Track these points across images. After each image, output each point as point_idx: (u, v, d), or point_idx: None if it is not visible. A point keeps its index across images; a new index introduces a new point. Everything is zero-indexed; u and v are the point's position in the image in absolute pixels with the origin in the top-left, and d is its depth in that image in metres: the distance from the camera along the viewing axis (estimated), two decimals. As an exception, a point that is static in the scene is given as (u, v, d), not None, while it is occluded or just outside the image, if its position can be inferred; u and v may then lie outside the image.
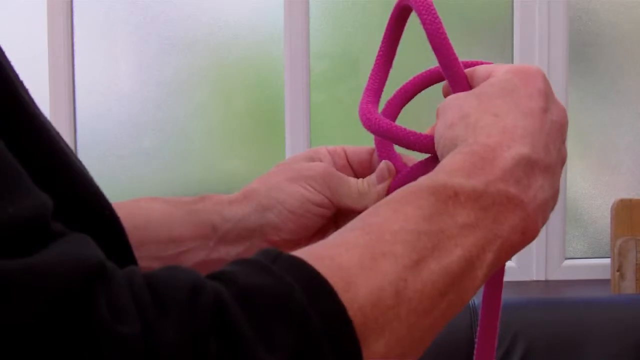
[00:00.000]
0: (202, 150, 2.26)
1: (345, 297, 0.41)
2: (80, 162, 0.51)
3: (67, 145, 0.50)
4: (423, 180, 0.49)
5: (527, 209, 0.49)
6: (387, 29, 0.64)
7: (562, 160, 0.55)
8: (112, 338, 0.36)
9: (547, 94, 0.55)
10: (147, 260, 0.62)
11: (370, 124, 0.62)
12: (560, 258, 2.26)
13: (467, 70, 0.59)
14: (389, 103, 0.66)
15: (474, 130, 0.52)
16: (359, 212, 0.56)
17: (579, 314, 1.80)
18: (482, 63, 0.61)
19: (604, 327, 1.76)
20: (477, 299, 1.68)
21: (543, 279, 2.26)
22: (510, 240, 0.48)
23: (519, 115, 0.52)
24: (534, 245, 2.23)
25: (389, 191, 0.64)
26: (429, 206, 0.46)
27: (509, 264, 0.76)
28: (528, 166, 0.50)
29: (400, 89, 0.66)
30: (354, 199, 0.64)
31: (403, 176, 0.64)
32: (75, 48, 2.23)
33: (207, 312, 0.38)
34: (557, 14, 2.24)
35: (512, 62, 2.22)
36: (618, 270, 2.13)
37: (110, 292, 0.37)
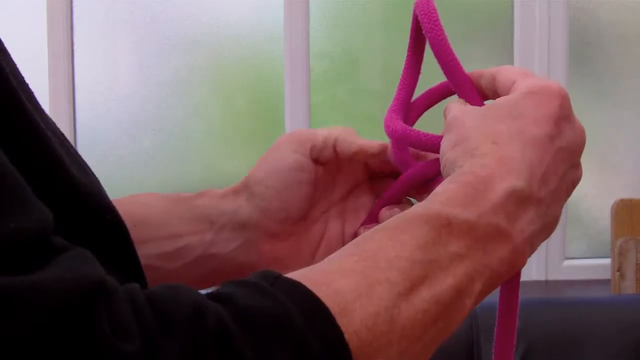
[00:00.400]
0: (202, 150, 2.26)
1: (341, 321, 0.42)
2: (83, 164, 0.51)
3: (67, 148, 0.50)
4: (418, 208, 0.50)
5: (515, 241, 0.50)
6: (410, 37, 0.64)
7: (569, 185, 0.55)
8: (115, 355, 0.36)
9: (559, 119, 0.54)
10: (146, 258, 0.62)
11: (388, 130, 0.62)
12: (560, 258, 2.26)
13: (492, 70, 0.59)
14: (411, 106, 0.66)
15: (471, 158, 0.52)
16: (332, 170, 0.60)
17: (579, 314, 1.80)
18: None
19: (604, 327, 1.76)
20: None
21: (543, 279, 2.26)
22: (498, 271, 0.49)
23: (520, 145, 0.52)
24: (534, 245, 2.23)
25: (396, 188, 0.65)
26: (423, 235, 0.47)
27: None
28: (520, 200, 0.51)
29: (423, 94, 0.66)
30: (321, 149, 0.64)
31: (416, 170, 0.64)
32: (75, 48, 2.23)
33: (210, 332, 0.38)
34: (557, 14, 2.24)
35: (512, 62, 2.22)
36: (618, 270, 2.13)
37: (112, 309, 0.37)
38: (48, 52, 2.20)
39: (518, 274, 0.60)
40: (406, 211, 0.50)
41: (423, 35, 0.61)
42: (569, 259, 2.29)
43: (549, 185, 0.52)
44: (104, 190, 0.51)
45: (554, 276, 2.26)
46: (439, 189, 0.51)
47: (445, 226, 0.48)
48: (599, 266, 2.24)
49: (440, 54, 0.58)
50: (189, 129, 2.27)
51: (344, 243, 0.65)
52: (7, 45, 0.61)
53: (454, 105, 0.58)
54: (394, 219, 0.49)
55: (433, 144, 0.60)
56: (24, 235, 0.37)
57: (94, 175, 0.52)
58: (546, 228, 0.54)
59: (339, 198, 0.68)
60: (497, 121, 0.54)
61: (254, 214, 0.65)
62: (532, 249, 0.53)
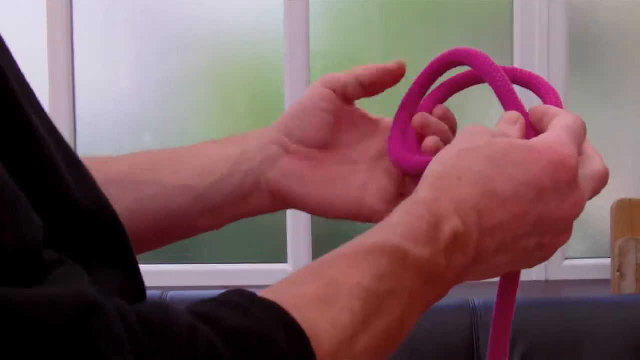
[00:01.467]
0: (202, 150, 2.26)
1: (313, 346, 0.43)
2: (80, 166, 0.51)
3: (64, 149, 0.50)
4: (377, 237, 0.51)
5: (448, 280, 0.52)
6: (422, 75, 0.67)
7: (527, 252, 0.55)
8: None
9: (544, 188, 0.54)
10: (183, 179, 0.67)
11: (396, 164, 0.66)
12: (560, 258, 2.26)
13: (549, 111, 0.61)
14: (430, 96, 0.68)
15: (431, 188, 0.54)
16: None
17: (579, 314, 1.80)
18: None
19: (604, 327, 1.75)
20: (477, 299, 1.68)
21: (543, 279, 2.26)
22: (428, 305, 0.52)
23: (479, 191, 0.53)
24: (534, 245, 2.23)
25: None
26: (380, 266, 0.48)
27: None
28: (460, 243, 0.52)
29: (444, 83, 0.68)
30: (345, 83, 0.68)
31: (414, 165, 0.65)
32: (75, 48, 2.23)
33: (201, 352, 0.40)
34: (557, 14, 2.24)
35: (512, 63, 2.22)
36: (618, 270, 2.13)
37: (107, 326, 0.38)
38: (48, 52, 2.20)
39: (517, 275, 0.60)
40: (366, 240, 0.51)
41: (438, 74, 0.66)
42: (568, 259, 2.29)
43: (496, 238, 0.53)
44: (101, 192, 0.51)
45: (553, 276, 2.26)
46: (397, 219, 0.52)
47: (401, 260, 0.49)
48: (599, 266, 2.24)
49: (506, 100, 0.60)
50: (189, 129, 2.27)
51: (359, 199, 0.67)
52: (7, 45, 0.61)
53: (471, 128, 0.59)
54: (354, 246, 0.50)
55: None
56: (17, 252, 0.38)
57: (91, 178, 0.52)
58: (484, 273, 0.55)
59: (371, 157, 0.69)
60: (477, 160, 0.54)
61: (276, 133, 0.69)
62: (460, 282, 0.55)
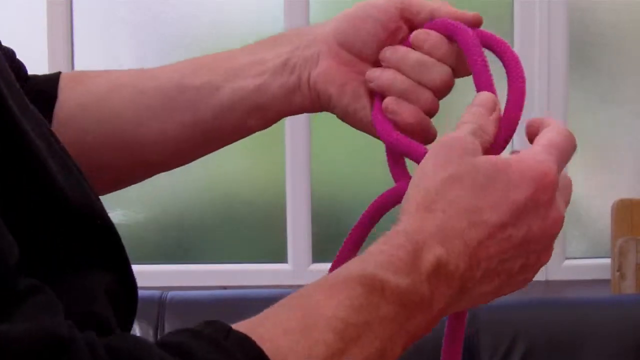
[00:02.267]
0: (202, 150, 2.26)
1: None
2: (72, 167, 0.51)
3: (56, 151, 0.50)
4: (355, 267, 0.50)
5: (433, 312, 0.51)
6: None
7: (510, 273, 0.55)
8: None
9: (523, 210, 0.53)
10: (239, 79, 0.68)
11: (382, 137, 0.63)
12: (560, 258, 2.26)
13: (537, 119, 0.60)
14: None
15: (411, 216, 0.53)
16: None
17: (579, 314, 1.80)
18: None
19: (604, 327, 1.76)
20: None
21: (543, 279, 2.26)
22: (414, 335, 0.51)
23: (465, 222, 0.52)
24: (534, 245, 2.23)
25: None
26: (357, 297, 0.48)
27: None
28: (444, 274, 0.51)
29: None
30: (417, 11, 0.65)
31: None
32: (75, 48, 2.23)
33: None
34: (557, 14, 2.24)
35: (512, 62, 2.22)
36: (618, 270, 2.13)
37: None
38: (48, 52, 2.20)
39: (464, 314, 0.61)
40: (344, 271, 0.51)
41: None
42: (569, 259, 2.29)
43: (481, 266, 0.53)
44: (93, 195, 0.51)
45: (554, 276, 2.26)
46: (375, 248, 0.52)
47: (378, 290, 0.49)
48: (599, 266, 2.24)
49: (480, 78, 0.60)
50: (189, 129, 2.27)
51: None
52: (7, 45, 0.61)
53: (448, 140, 0.56)
54: (332, 277, 0.50)
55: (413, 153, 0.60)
56: None
57: (84, 180, 0.52)
58: (469, 302, 0.55)
59: None
60: (461, 191, 0.53)
61: (326, 33, 0.67)
62: (447, 313, 0.55)
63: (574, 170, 2.28)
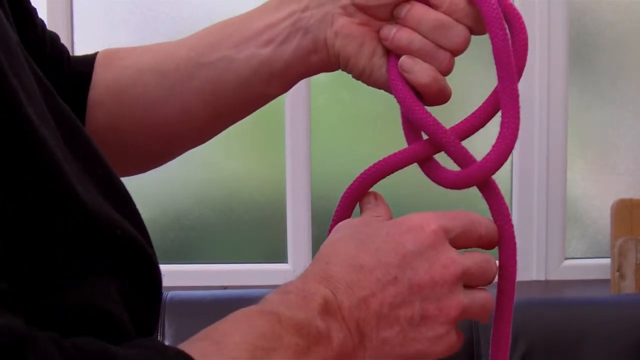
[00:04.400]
0: (202, 150, 2.26)
1: None
2: (95, 169, 0.52)
3: (82, 157, 0.50)
4: (252, 308, 0.52)
5: (334, 348, 0.52)
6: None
7: (409, 317, 0.55)
8: None
9: (408, 254, 0.55)
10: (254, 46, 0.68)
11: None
12: (560, 258, 2.26)
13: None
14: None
15: (302, 276, 0.56)
16: None
17: (579, 314, 1.80)
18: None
19: (604, 327, 1.76)
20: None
21: (543, 279, 2.26)
22: None
23: (346, 269, 0.55)
24: (534, 245, 2.23)
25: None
26: (261, 325, 0.50)
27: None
28: (331, 310, 0.53)
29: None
30: None
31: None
32: (75, 48, 2.23)
33: None
34: (557, 14, 2.24)
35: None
36: (618, 270, 2.13)
37: (42, 350, 0.40)
38: (48, 52, 2.20)
39: (513, 275, 0.60)
40: (242, 309, 0.52)
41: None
42: (568, 258, 2.29)
43: (372, 307, 0.54)
44: (105, 204, 0.52)
45: (553, 276, 2.26)
46: (268, 297, 0.54)
47: (276, 321, 0.50)
48: (598, 266, 2.24)
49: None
50: (189, 129, 2.27)
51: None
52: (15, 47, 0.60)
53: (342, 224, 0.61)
54: (231, 315, 0.51)
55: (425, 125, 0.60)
56: None
57: (113, 184, 0.54)
58: (382, 351, 0.55)
59: None
60: (344, 243, 0.57)
61: None
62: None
63: (573, 170, 2.28)
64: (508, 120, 0.59)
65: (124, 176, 0.80)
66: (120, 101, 0.72)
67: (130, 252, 0.51)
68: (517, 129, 0.60)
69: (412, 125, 0.64)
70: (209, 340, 0.48)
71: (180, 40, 0.74)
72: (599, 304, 1.88)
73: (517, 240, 0.61)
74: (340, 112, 2.29)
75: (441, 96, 0.62)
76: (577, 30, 2.28)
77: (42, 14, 2.34)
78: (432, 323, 0.55)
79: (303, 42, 0.66)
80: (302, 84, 2.29)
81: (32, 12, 0.69)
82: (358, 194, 0.63)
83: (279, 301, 0.52)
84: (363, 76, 0.66)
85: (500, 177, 2.62)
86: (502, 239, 0.60)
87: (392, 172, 0.62)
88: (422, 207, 2.29)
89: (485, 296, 0.58)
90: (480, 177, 0.60)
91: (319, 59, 0.67)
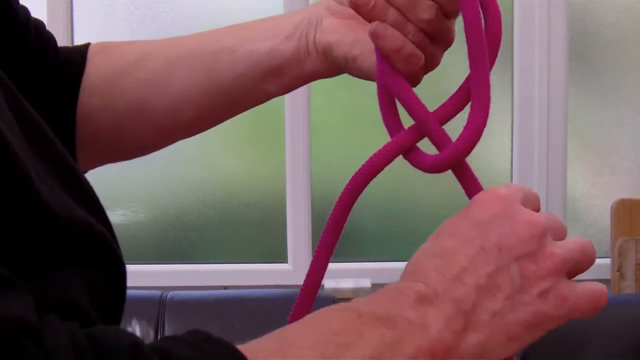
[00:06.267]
0: (202, 150, 2.26)
1: None
2: (63, 172, 0.51)
3: (47, 157, 0.50)
4: (329, 307, 0.52)
5: (431, 334, 0.51)
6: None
7: (507, 280, 0.54)
8: None
9: (481, 222, 0.55)
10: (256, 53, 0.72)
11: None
12: (560, 258, 2.26)
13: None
14: None
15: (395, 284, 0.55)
16: None
17: (579, 314, 1.80)
18: None
19: (604, 327, 1.76)
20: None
21: (543, 279, 2.25)
22: (416, 358, 0.51)
23: (431, 258, 0.55)
24: (534, 245, 2.23)
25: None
26: (334, 321, 0.50)
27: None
28: (426, 301, 0.52)
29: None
30: None
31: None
32: (75, 48, 2.23)
33: None
34: (557, 14, 2.24)
35: (512, 63, 2.22)
36: (618, 270, 2.13)
37: (46, 343, 0.40)
38: (48, 52, 2.20)
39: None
40: (319, 310, 0.52)
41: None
42: (568, 259, 2.29)
43: (469, 282, 0.53)
44: (72, 204, 0.51)
45: (553, 276, 2.26)
46: (352, 301, 0.54)
47: (355, 317, 0.50)
48: (599, 266, 2.23)
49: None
50: (189, 129, 2.27)
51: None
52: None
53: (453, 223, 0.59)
54: (308, 315, 0.51)
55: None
56: None
57: (77, 184, 0.53)
58: (495, 328, 0.54)
59: None
60: (424, 245, 0.56)
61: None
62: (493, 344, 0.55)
63: (573, 170, 2.28)
64: (479, 102, 0.60)
65: (114, 162, 0.82)
66: (119, 84, 0.74)
67: (94, 247, 0.51)
68: (487, 107, 0.60)
69: (392, 113, 0.64)
70: (272, 339, 0.48)
71: (188, 35, 0.77)
72: (599, 304, 1.87)
73: None
74: (340, 112, 2.29)
75: (412, 61, 0.63)
76: (577, 30, 2.28)
77: (42, 14, 2.34)
78: (534, 279, 0.54)
79: (299, 45, 0.71)
80: (302, 84, 2.28)
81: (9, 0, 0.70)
82: (351, 200, 0.63)
83: (362, 300, 0.52)
84: (347, 65, 0.69)
85: (500, 177, 2.61)
86: None
87: (382, 169, 0.62)
88: (425, 205, 2.29)
89: (580, 240, 0.58)
90: (454, 159, 0.60)
91: (313, 61, 0.71)
